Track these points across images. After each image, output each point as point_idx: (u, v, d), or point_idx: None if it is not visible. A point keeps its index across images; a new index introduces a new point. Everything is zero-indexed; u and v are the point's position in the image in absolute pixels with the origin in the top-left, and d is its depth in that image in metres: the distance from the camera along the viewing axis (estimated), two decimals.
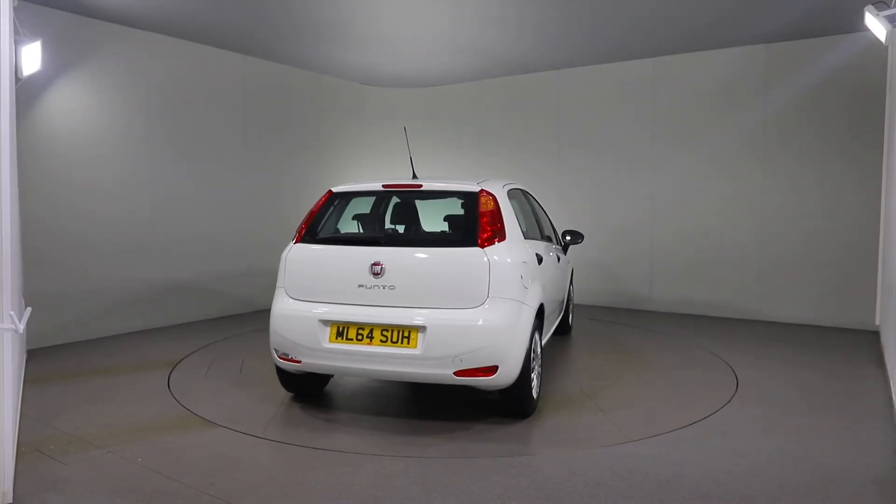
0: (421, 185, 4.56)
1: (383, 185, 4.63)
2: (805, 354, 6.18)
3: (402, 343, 4.01)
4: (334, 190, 4.75)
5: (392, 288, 4.09)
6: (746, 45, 7.68)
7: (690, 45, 7.78)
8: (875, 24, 5.28)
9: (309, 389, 4.88)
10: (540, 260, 4.79)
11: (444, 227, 4.81)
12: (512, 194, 4.85)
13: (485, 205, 4.26)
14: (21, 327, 2.98)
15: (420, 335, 3.98)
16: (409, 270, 4.13)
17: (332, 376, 5.03)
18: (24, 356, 5.68)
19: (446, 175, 8.71)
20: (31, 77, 5.80)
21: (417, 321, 3.99)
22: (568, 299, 6.83)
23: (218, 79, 7.96)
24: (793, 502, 3.19)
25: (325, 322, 4.18)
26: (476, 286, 4.00)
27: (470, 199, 4.36)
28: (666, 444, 3.94)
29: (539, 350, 4.60)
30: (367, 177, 9.97)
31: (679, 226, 8.33)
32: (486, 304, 3.98)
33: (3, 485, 3.11)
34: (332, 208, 4.69)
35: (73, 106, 6.61)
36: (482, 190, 4.35)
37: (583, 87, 8.94)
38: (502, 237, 4.18)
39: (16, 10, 5.07)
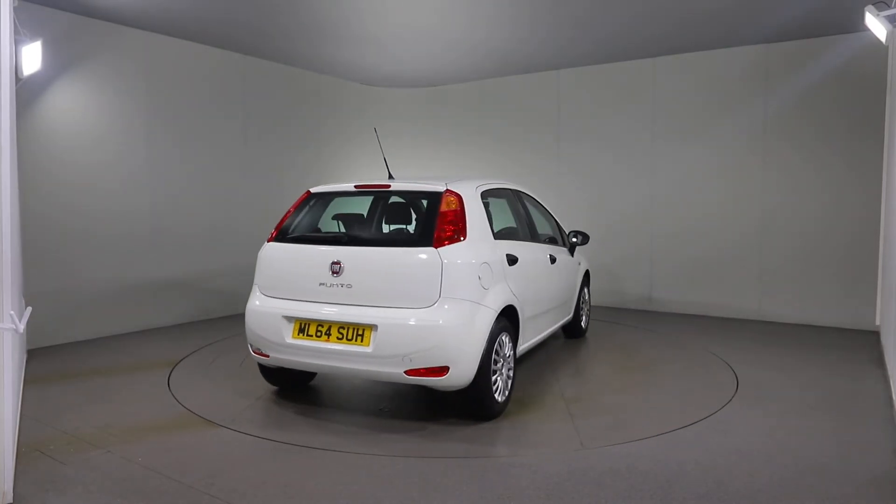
0: (389, 186, 4.60)
1: (355, 186, 4.70)
2: (805, 354, 6.18)
3: (356, 341, 4.09)
4: (312, 190, 4.88)
5: (349, 286, 4.18)
6: (746, 45, 7.68)
7: (690, 45, 7.78)
8: (875, 24, 5.28)
9: (290, 384, 5.02)
10: (513, 261, 4.65)
11: (411, 227, 4.88)
12: (490, 194, 4.91)
13: (447, 205, 4.27)
14: (21, 327, 2.98)
15: (372, 333, 4.04)
16: (365, 269, 4.19)
17: (315, 374, 5.11)
18: (24, 356, 5.68)
19: (441, 175, 8.72)
20: (31, 77, 5.80)
21: (370, 320, 4.06)
22: (580, 301, 6.73)
23: (218, 79, 7.97)
24: (793, 502, 3.19)
25: (289, 318, 4.31)
26: (428, 286, 4.02)
27: (433, 199, 4.36)
28: (666, 444, 3.94)
29: (509, 352, 4.52)
30: (366, 177, 9.97)
31: (679, 226, 8.33)
32: (438, 304, 4.00)
33: (3, 485, 3.11)
34: (307, 208, 4.80)
35: (73, 106, 6.61)
36: (447, 190, 4.36)
37: (583, 87, 8.94)
38: (462, 237, 4.19)
39: (16, 10, 5.07)
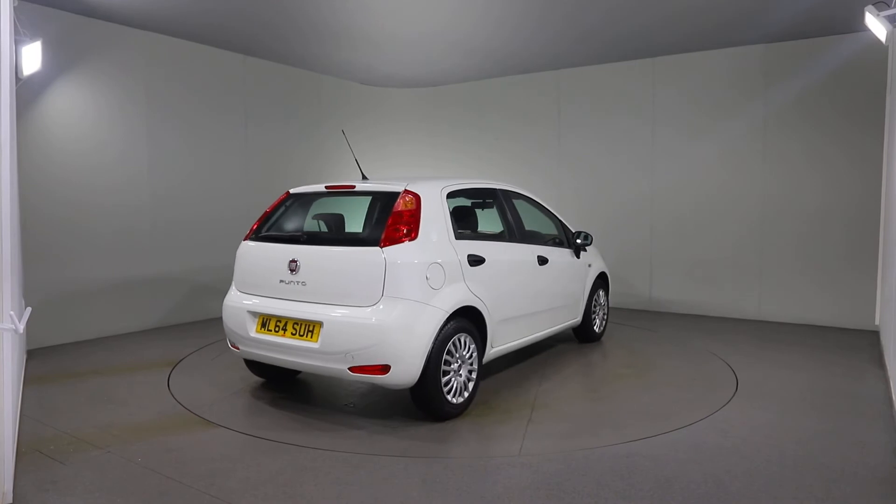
0: (353, 187, 4.70)
1: (325, 187, 4.87)
2: (805, 354, 6.18)
3: (306, 336, 4.24)
4: (291, 191, 5.05)
5: (304, 284, 4.34)
6: (746, 45, 7.68)
7: (690, 45, 7.78)
8: (875, 24, 5.28)
9: (273, 376, 5.26)
10: (477, 261, 4.59)
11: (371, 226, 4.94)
12: (462, 194, 5.00)
13: (403, 205, 4.32)
14: (21, 327, 2.98)
15: (321, 330, 4.17)
16: (318, 267, 4.34)
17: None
18: (24, 356, 5.68)
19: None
20: (31, 77, 5.80)
21: (318, 317, 4.19)
22: (593, 304, 6.52)
23: (218, 78, 7.97)
24: (792, 502, 3.19)
25: (254, 314, 4.54)
26: (371, 285, 4.09)
27: (390, 199, 4.42)
28: (666, 444, 3.94)
29: (470, 354, 4.48)
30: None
31: (679, 226, 8.33)
32: (381, 303, 4.06)
33: (3, 485, 3.11)
34: (283, 208, 4.96)
35: (73, 106, 6.61)
36: (405, 190, 4.41)
37: (583, 88, 8.94)
38: (412, 237, 4.23)
39: (16, 10, 5.07)
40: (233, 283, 4.88)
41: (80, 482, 3.43)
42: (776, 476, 3.48)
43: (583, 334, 6.58)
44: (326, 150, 9.53)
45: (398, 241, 4.19)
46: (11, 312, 2.99)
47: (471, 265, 4.55)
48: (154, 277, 7.39)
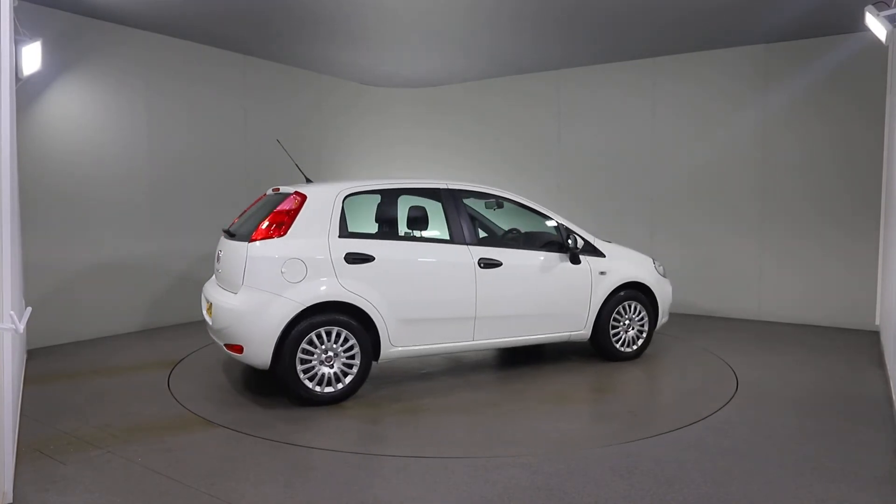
0: (278, 189, 5.25)
1: (272, 189, 5.44)
2: (805, 354, 6.18)
3: (210, 314, 5.00)
4: (269, 192, 5.53)
5: (220, 272, 5.13)
6: (746, 45, 7.68)
7: (690, 45, 7.78)
8: (875, 24, 5.27)
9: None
10: (363, 259, 4.77)
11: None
12: (372, 195, 5.26)
13: (287, 204, 4.82)
14: (21, 327, 2.98)
15: (212, 310, 4.90)
16: (223, 258, 5.06)
17: None
18: (24, 356, 5.68)
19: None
20: (31, 77, 5.80)
21: (212, 298, 4.94)
22: (614, 318, 5.86)
23: (218, 79, 7.97)
24: (793, 502, 3.19)
25: (206, 298, 5.22)
26: (237, 274, 4.68)
27: (282, 199, 4.93)
28: (666, 444, 3.94)
29: (338, 347, 4.70)
30: (364, 176, 9.97)
31: (679, 226, 8.33)
32: (241, 291, 4.64)
33: (3, 485, 3.11)
34: (253, 207, 5.46)
35: (73, 106, 6.61)
36: (295, 192, 4.90)
37: (583, 88, 8.94)
38: (280, 234, 4.67)
39: (16, 10, 5.07)
40: None
41: (80, 482, 3.43)
42: (776, 476, 3.48)
43: (602, 351, 5.94)
44: (327, 150, 9.53)
45: (266, 237, 4.68)
46: (11, 312, 2.99)
47: (349, 263, 4.76)
48: (154, 277, 7.38)
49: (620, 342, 5.95)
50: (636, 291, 5.97)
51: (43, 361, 5.89)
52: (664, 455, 3.77)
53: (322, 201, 4.87)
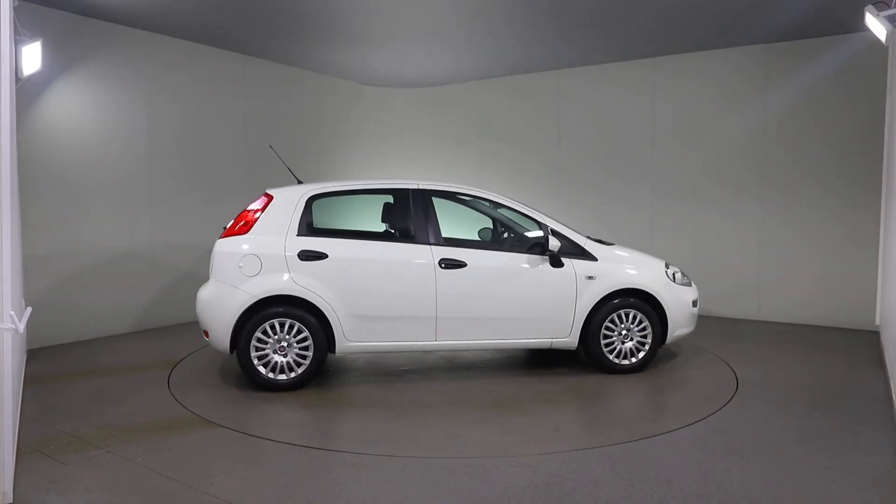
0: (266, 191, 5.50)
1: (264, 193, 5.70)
2: (805, 354, 6.18)
3: None
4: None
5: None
6: (746, 45, 7.68)
7: (690, 45, 7.78)
8: (875, 24, 5.28)
9: None
10: (317, 257, 5.04)
11: None
12: (336, 196, 5.46)
13: (257, 204, 5.26)
14: (21, 327, 2.98)
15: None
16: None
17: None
18: (24, 356, 5.68)
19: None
20: (31, 77, 5.80)
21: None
22: (605, 328, 5.48)
23: (218, 79, 7.96)
24: (792, 502, 3.19)
25: None
26: (209, 268, 5.19)
27: (257, 200, 5.33)
28: (666, 444, 3.94)
29: (291, 338, 5.01)
30: (363, 176, 9.98)
31: (679, 225, 8.33)
32: (209, 283, 5.15)
33: (3, 485, 3.11)
34: None
35: (73, 106, 6.61)
36: (265, 193, 5.31)
37: (583, 87, 8.94)
38: (243, 232, 5.11)
39: (16, 10, 5.07)
40: None
41: (80, 482, 3.43)
42: (776, 476, 3.48)
43: (594, 361, 5.57)
44: (327, 150, 9.53)
45: (231, 234, 5.14)
46: (11, 312, 2.99)
47: (303, 260, 5.04)
48: (154, 277, 7.39)
49: (616, 353, 5.54)
50: (636, 299, 5.50)
51: (43, 361, 5.89)
52: (664, 455, 3.77)
53: (286, 202, 5.22)
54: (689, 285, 5.84)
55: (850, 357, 6.06)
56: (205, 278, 6.09)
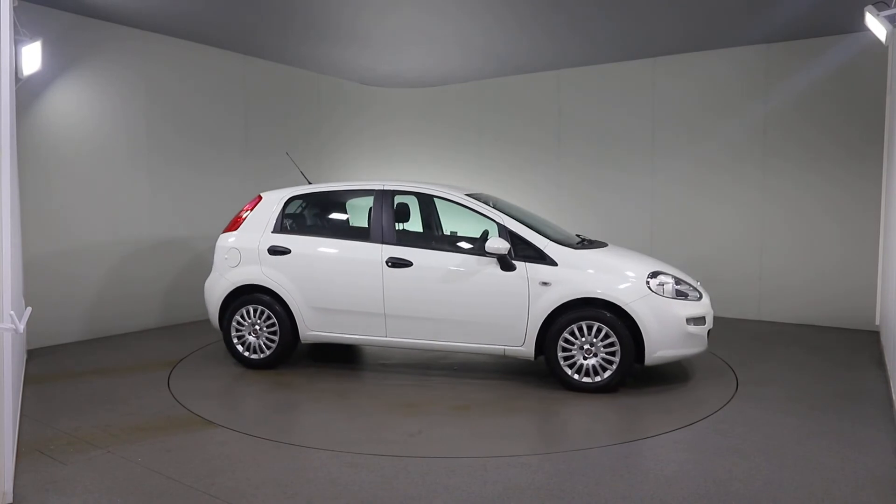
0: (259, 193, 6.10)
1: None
2: (805, 354, 6.18)
3: None
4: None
5: None
6: (746, 45, 7.68)
7: (690, 45, 7.78)
8: (875, 24, 5.28)
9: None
10: (281, 252, 5.58)
11: None
12: (314, 198, 5.98)
13: (248, 204, 5.95)
14: (21, 327, 2.98)
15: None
16: None
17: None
18: (24, 356, 5.69)
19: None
20: (31, 77, 5.80)
21: None
22: (564, 340, 4.96)
23: (218, 79, 7.96)
24: (793, 502, 3.19)
25: None
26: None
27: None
28: (666, 444, 3.94)
29: (258, 322, 5.62)
30: (365, 176, 9.98)
31: (679, 225, 8.33)
32: (211, 271, 5.97)
33: (3, 485, 3.11)
34: None
35: (73, 106, 6.61)
36: (258, 195, 5.96)
37: (583, 87, 8.94)
38: (234, 228, 5.86)
39: (16, 10, 5.07)
40: None
41: (80, 482, 3.43)
42: (776, 476, 3.48)
43: (554, 376, 5.07)
44: (327, 150, 9.53)
45: (227, 230, 5.89)
46: (11, 312, 2.99)
47: (271, 254, 5.62)
48: (154, 277, 7.39)
49: (576, 369, 4.98)
50: (600, 311, 4.88)
51: (43, 361, 5.89)
52: (664, 455, 3.77)
53: (269, 202, 5.85)
54: (687, 298, 5.03)
55: (850, 357, 6.06)
56: (205, 278, 6.17)
